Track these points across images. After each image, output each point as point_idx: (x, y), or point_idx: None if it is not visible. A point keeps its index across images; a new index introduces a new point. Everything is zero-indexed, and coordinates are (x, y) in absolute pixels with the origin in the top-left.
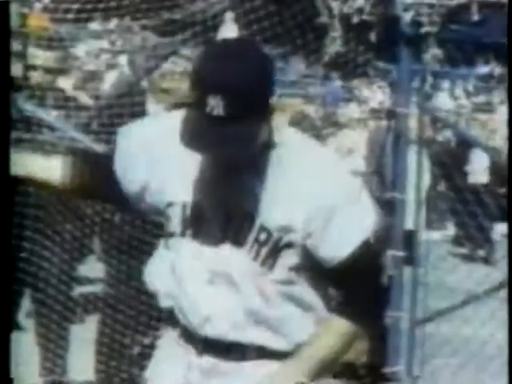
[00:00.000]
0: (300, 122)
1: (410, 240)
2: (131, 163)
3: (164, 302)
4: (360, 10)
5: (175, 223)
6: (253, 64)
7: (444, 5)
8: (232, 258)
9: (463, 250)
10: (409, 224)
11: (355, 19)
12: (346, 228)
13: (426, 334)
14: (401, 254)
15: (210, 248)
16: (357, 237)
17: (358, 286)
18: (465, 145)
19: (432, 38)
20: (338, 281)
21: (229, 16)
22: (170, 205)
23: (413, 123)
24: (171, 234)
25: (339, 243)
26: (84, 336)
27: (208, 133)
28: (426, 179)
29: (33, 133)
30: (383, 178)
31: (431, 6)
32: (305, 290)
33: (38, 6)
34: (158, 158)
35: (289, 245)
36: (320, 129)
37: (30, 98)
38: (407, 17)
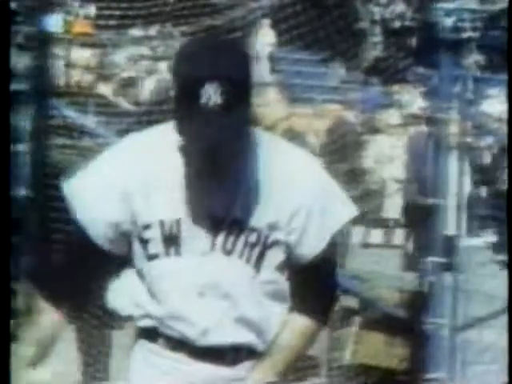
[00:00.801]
0: (340, 127)
1: (450, 246)
2: (98, 206)
3: (142, 323)
4: (401, 16)
5: (156, 244)
6: (239, 52)
7: (485, 10)
8: (224, 265)
9: (504, 257)
10: (449, 230)
11: (396, 24)
12: (322, 224)
13: (466, 341)
14: (441, 260)
15: (198, 260)
16: (328, 232)
17: (318, 282)
18: (505, 150)
19: (473, 43)
20: (305, 276)
21: (265, 22)
22: (147, 227)
23: (454, 129)
24: (153, 256)
25: (316, 239)
26: (124, 342)
27: (208, 123)
28: (467, 185)
29: (74, 139)
30: (424, 185)
31: (473, 11)
32: (286, 287)
33: (81, 12)
34: (132, 187)
35: (275, 243)
36: (359, 134)
37: (72, 104)
38: (448, 22)
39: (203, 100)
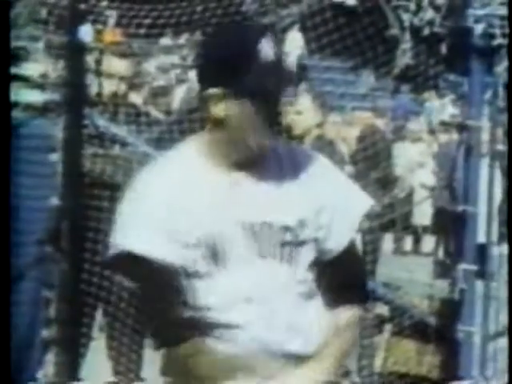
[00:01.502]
0: (370, 135)
1: (482, 254)
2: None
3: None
4: (431, 22)
5: (199, 261)
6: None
7: None
8: (266, 268)
9: None
10: (481, 238)
11: (426, 31)
12: (344, 218)
13: (498, 349)
14: (473, 267)
15: (242, 268)
16: (351, 225)
17: (349, 272)
18: None
19: (504, 50)
20: (335, 271)
21: (295, 29)
22: (187, 246)
23: (485, 136)
24: (196, 274)
25: (341, 233)
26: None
27: (271, 76)
28: (498, 192)
29: (106, 148)
30: (454, 192)
31: (503, 17)
32: (314, 287)
33: (112, 21)
34: (166, 210)
35: (305, 241)
36: (390, 142)
37: (103, 114)
38: (479, 29)
39: (262, 56)
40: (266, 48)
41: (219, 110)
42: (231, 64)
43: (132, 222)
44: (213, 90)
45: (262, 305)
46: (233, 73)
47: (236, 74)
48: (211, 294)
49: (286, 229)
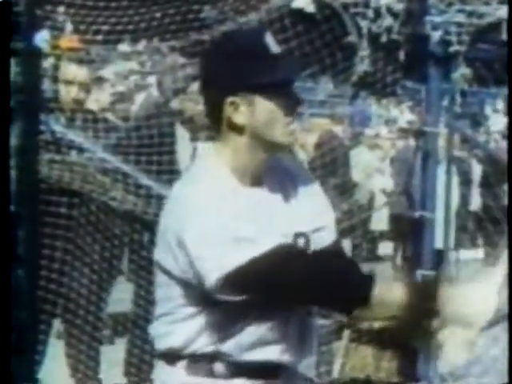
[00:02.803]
0: (328, 141)
1: (439, 259)
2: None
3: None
4: (389, 29)
5: None
6: None
7: (473, 24)
8: None
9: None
10: (438, 243)
11: (384, 38)
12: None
13: None
14: (430, 273)
15: None
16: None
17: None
18: (495, 163)
19: (461, 57)
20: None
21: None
22: None
23: (441, 142)
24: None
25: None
26: (113, 357)
27: (285, 64)
28: (455, 198)
29: (62, 154)
30: (412, 198)
31: (460, 25)
32: None
33: (69, 27)
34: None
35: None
36: (348, 148)
37: (60, 120)
38: (436, 36)
39: (273, 49)
40: (271, 40)
41: (240, 116)
42: (246, 66)
43: (216, 244)
44: (233, 98)
45: None
46: (249, 74)
47: (252, 73)
48: None
49: (300, 235)
